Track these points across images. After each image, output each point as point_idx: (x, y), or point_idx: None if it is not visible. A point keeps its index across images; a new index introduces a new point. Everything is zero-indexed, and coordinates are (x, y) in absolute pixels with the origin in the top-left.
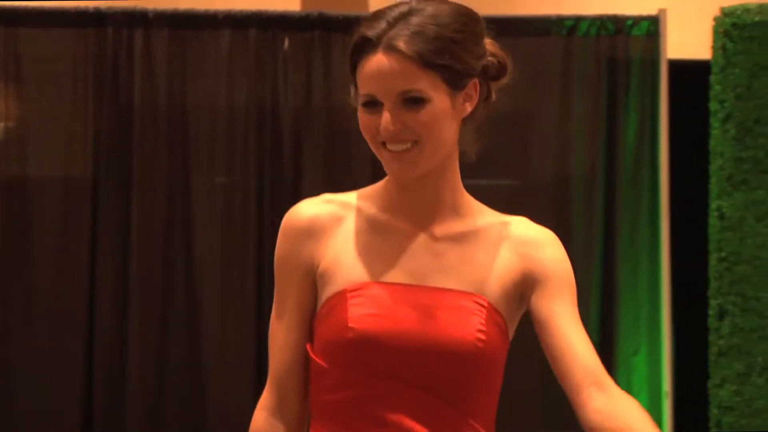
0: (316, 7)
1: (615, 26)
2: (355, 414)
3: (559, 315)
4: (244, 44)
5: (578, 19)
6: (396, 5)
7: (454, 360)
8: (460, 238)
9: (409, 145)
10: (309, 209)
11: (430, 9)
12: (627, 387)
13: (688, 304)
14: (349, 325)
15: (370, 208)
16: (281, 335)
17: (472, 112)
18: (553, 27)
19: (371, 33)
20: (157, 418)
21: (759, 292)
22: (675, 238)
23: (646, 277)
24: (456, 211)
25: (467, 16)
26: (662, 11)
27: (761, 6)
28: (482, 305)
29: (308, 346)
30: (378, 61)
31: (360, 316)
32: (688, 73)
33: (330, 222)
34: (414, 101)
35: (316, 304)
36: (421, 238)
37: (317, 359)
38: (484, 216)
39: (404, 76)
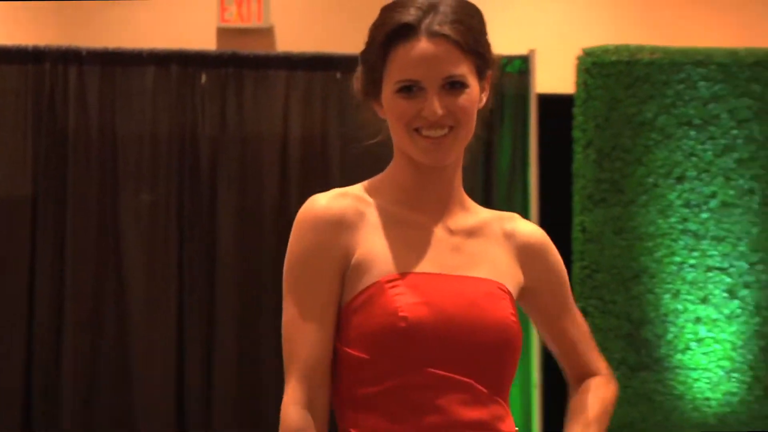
0: (229, 46)
1: None
2: (403, 403)
3: (558, 317)
4: (166, 79)
5: None
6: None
7: (501, 343)
8: (471, 232)
9: (446, 130)
10: (335, 202)
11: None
12: None
13: None
14: (400, 314)
15: (384, 202)
16: (312, 330)
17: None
18: None
19: (409, 19)
20: (89, 407)
21: (615, 297)
22: None
23: None
24: (462, 205)
25: (478, 9)
26: (532, 51)
27: (618, 47)
28: (505, 291)
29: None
30: (422, 46)
31: (409, 304)
32: (554, 105)
33: (355, 215)
34: (456, 85)
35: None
36: (439, 231)
37: (355, 352)
38: (481, 210)
39: (449, 60)
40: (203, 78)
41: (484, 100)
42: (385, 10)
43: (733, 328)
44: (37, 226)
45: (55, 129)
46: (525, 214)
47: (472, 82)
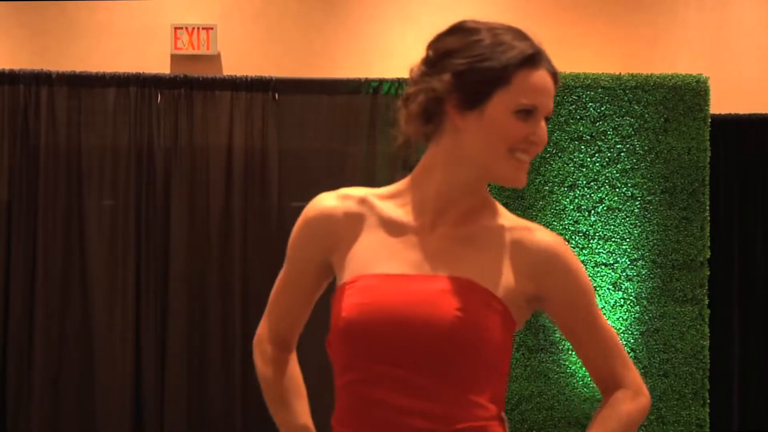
0: (181, 70)
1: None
2: (355, 397)
3: (575, 330)
4: (126, 99)
5: (381, 81)
6: (507, 28)
7: (431, 338)
8: (465, 238)
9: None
10: (330, 201)
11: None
12: None
13: None
14: (342, 314)
15: (387, 206)
16: (288, 291)
17: None
18: (362, 87)
19: (536, 50)
20: (57, 391)
21: None
22: None
23: None
24: (469, 213)
25: None
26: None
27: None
28: (472, 288)
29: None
30: (545, 77)
31: (350, 305)
32: None
33: (346, 215)
34: (548, 119)
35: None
36: (431, 236)
37: (327, 348)
38: (491, 218)
39: (552, 98)
40: (159, 98)
41: None
42: (498, 35)
43: (617, 316)
44: (12, 228)
45: (28, 142)
46: None
47: None
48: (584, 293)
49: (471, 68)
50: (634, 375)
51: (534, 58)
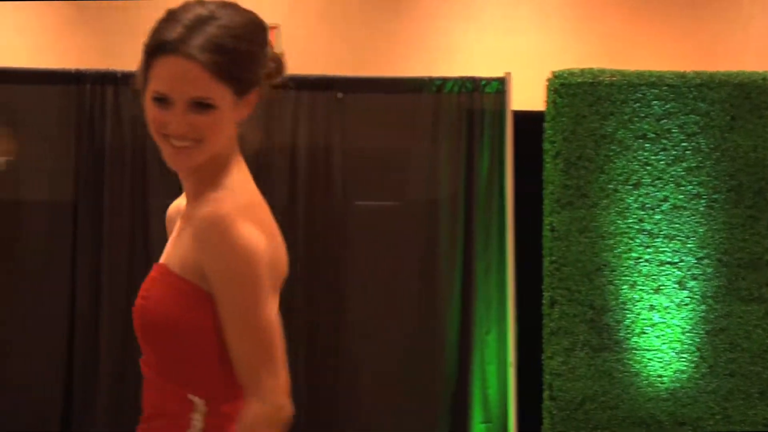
0: None
1: (472, 85)
2: None
3: (225, 321)
4: None
5: (445, 80)
6: (192, 6)
7: (136, 326)
8: (188, 219)
9: (190, 143)
10: (171, 206)
11: (225, 18)
12: (481, 359)
13: (528, 296)
14: None
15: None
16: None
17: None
18: (425, 86)
19: (172, 36)
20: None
21: (580, 287)
22: (518, 246)
23: (496, 276)
24: (206, 198)
25: (256, 25)
26: (508, 74)
27: (583, 71)
28: (162, 272)
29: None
30: (175, 64)
31: None
32: (527, 121)
33: (173, 213)
34: (203, 106)
35: None
36: (181, 222)
37: None
38: (209, 197)
39: (198, 83)
40: None
41: (247, 113)
42: (160, 21)
43: (683, 315)
44: (78, 228)
45: (93, 142)
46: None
47: (223, 104)
48: (235, 279)
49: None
50: (254, 383)
51: (164, 46)
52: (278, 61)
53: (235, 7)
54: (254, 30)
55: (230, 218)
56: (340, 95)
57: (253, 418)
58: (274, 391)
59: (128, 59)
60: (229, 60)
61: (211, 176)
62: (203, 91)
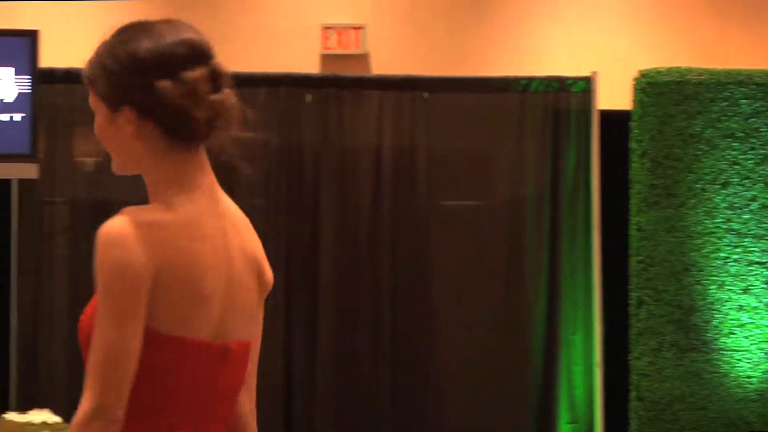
0: (331, 70)
1: (559, 84)
2: None
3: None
4: (276, 98)
5: (531, 80)
6: (133, 28)
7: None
8: None
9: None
10: None
11: (113, 39)
12: (567, 359)
13: (614, 296)
14: None
15: None
16: None
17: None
18: (511, 85)
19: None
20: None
21: (667, 287)
22: (604, 246)
23: (582, 276)
24: None
25: (135, 51)
26: (594, 73)
27: (669, 69)
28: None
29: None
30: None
31: None
32: (613, 120)
33: None
34: (95, 116)
35: None
36: None
37: None
38: None
39: (90, 92)
40: (308, 98)
41: (130, 129)
42: None
43: None
44: None
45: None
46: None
47: (100, 113)
48: (99, 291)
49: None
50: (89, 396)
51: None
52: (216, 109)
53: (150, 35)
54: (126, 52)
55: (108, 235)
56: (425, 95)
57: (76, 416)
58: (87, 399)
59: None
60: (91, 71)
61: (150, 194)
62: (91, 98)
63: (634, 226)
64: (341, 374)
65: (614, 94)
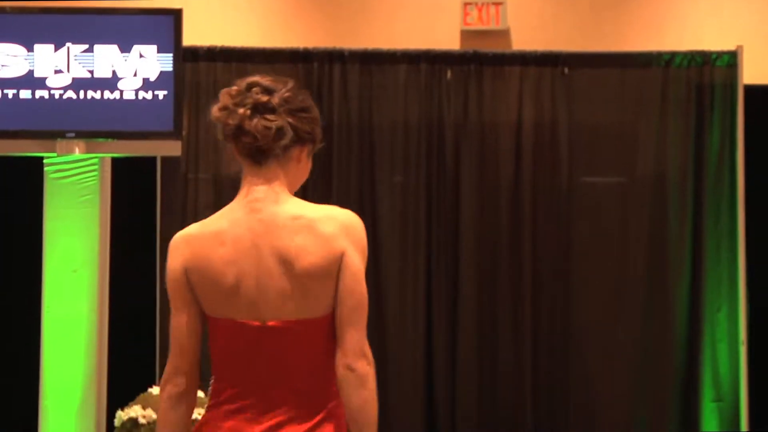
0: (471, 46)
1: (702, 59)
2: None
3: None
4: (416, 75)
5: (674, 54)
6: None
7: None
8: None
9: None
10: None
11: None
12: (712, 337)
13: (759, 273)
14: None
15: None
16: None
17: None
18: (653, 60)
19: None
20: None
21: None
22: (749, 223)
23: (727, 253)
24: None
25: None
26: (740, 47)
27: None
28: None
29: None
30: None
31: None
32: (759, 94)
33: None
34: None
35: None
36: None
37: None
38: None
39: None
40: (448, 74)
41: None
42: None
43: None
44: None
45: (321, 119)
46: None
47: None
48: None
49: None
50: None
51: None
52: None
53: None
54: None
55: (171, 244)
56: (566, 71)
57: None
58: (167, 363)
59: (356, 38)
60: None
61: None
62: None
63: None
64: (483, 360)
65: (761, 69)
